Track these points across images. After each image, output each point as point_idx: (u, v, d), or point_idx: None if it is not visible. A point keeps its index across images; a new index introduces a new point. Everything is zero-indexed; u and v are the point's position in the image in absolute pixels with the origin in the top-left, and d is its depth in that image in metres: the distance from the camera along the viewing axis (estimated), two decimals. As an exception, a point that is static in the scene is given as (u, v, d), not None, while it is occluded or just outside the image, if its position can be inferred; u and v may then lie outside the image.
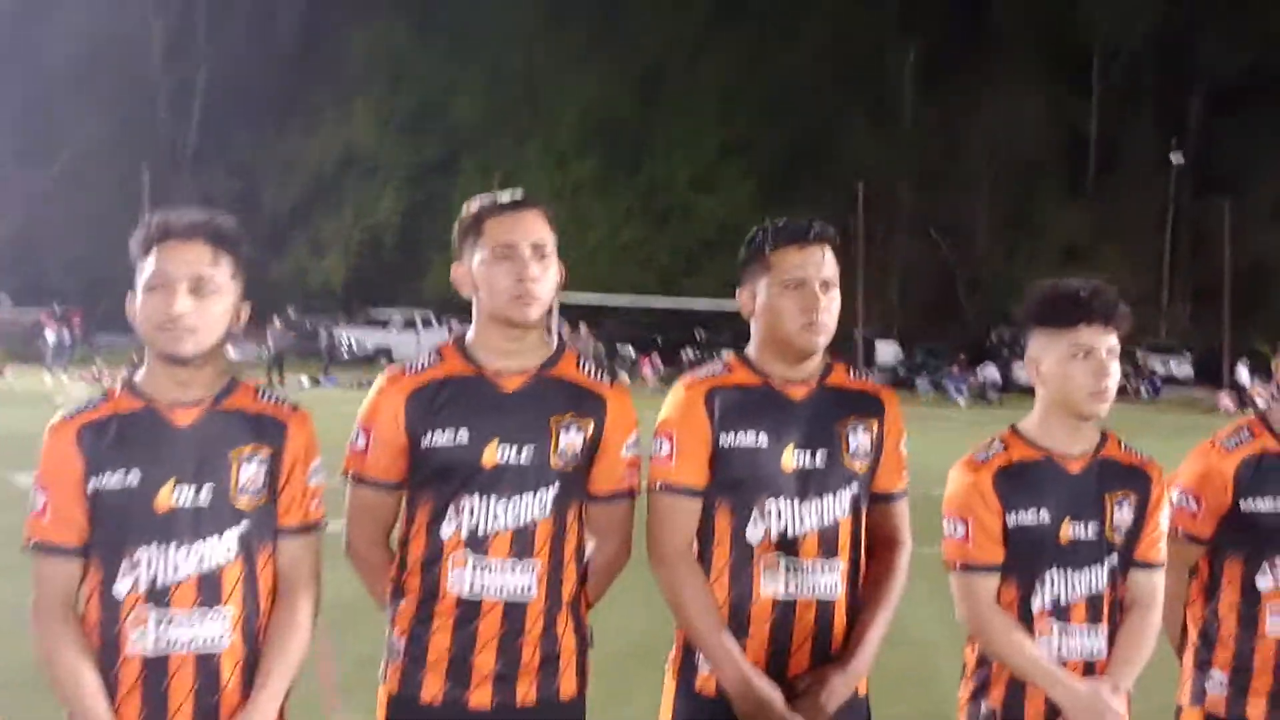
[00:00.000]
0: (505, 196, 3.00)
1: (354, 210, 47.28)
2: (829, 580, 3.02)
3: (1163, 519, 3.30)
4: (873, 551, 3.14)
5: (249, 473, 2.78)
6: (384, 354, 39.58)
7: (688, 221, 47.97)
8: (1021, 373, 40.69)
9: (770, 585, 2.99)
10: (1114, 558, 3.22)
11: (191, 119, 48.52)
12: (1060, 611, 3.18)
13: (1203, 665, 3.56)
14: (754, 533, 3.00)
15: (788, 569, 2.99)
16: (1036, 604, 3.18)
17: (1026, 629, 3.16)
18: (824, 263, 3.05)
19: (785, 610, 2.99)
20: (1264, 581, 3.48)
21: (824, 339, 3.05)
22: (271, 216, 47.56)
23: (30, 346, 34.26)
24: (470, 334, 3.02)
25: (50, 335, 31.96)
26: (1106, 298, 3.17)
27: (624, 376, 36.51)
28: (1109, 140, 51.63)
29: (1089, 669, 3.19)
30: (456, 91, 47.57)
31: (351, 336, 40.86)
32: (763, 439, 3.01)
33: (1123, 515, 3.22)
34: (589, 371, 3.05)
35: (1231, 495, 3.47)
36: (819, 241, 3.06)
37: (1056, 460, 3.21)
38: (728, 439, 3.01)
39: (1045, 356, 3.20)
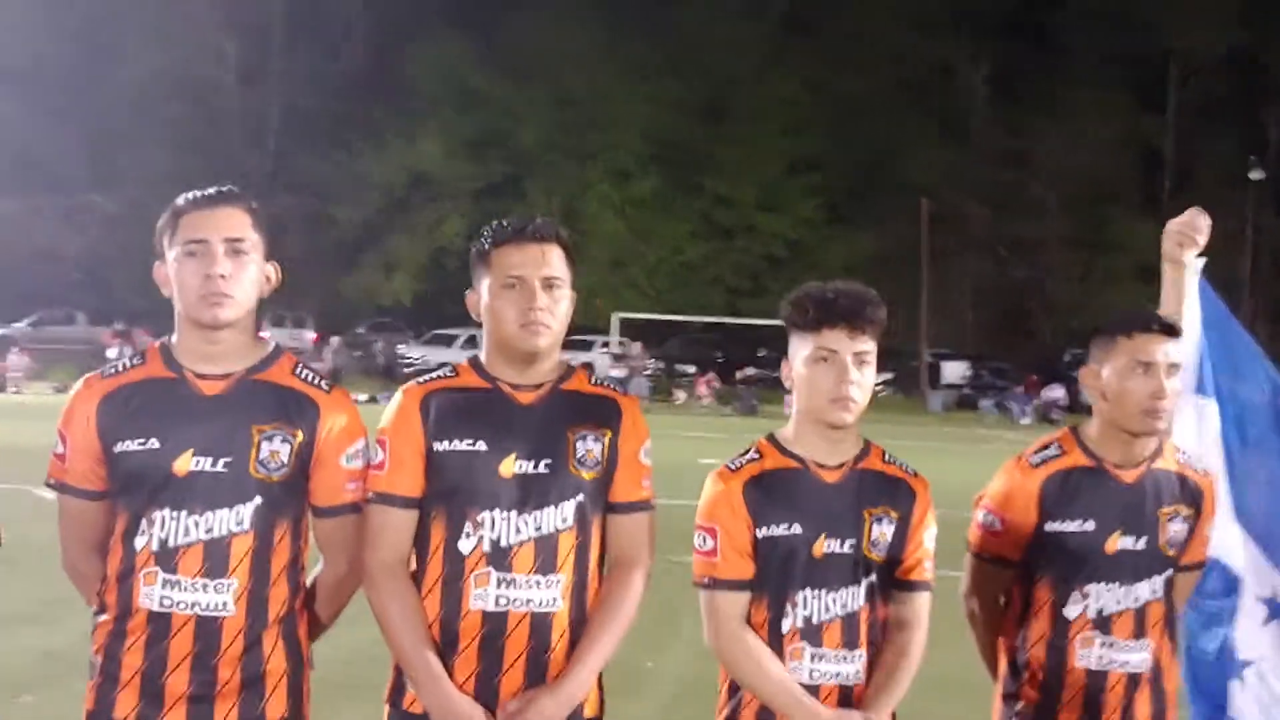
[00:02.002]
0: (213, 191, 2.88)
1: (422, 231, 47.74)
2: (546, 595, 2.86)
3: (928, 537, 3.08)
4: (608, 566, 2.96)
5: None
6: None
7: (752, 240, 47.70)
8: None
9: (479, 599, 2.84)
10: (873, 577, 3.00)
11: (265, 143, 49.32)
12: (812, 633, 2.97)
13: (1009, 698, 3.35)
14: (466, 544, 2.86)
15: (499, 582, 2.83)
16: (787, 625, 2.98)
17: (777, 652, 2.97)
18: (545, 261, 2.91)
19: (495, 625, 2.84)
20: (1072, 610, 3.26)
21: (545, 340, 2.91)
22: (343, 236, 48.32)
23: (99, 363, 35.03)
24: (174, 335, 2.90)
25: (111, 353, 32.61)
26: (853, 300, 2.97)
27: (679, 395, 36.45)
28: (1185, 157, 50.41)
29: (845, 696, 2.98)
30: (521, 113, 47.85)
31: (416, 354, 41.21)
32: (480, 445, 2.88)
33: (881, 531, 3.01)
34: (305, 377, 2.92)
35: (1037, 515, 3.25)
36: (539, 240, 2.92)
37: (811, 470, 3.02)
38: (442, 445, 2.88)
39: (795, 360, 3.02)
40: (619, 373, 34.11)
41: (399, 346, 41.02)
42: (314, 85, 47.71)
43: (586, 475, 2.90)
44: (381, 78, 49.02)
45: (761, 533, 2.97)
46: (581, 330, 44.14)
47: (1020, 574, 3.32)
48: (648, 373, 36.27)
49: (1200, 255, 3.71)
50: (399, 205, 48.17)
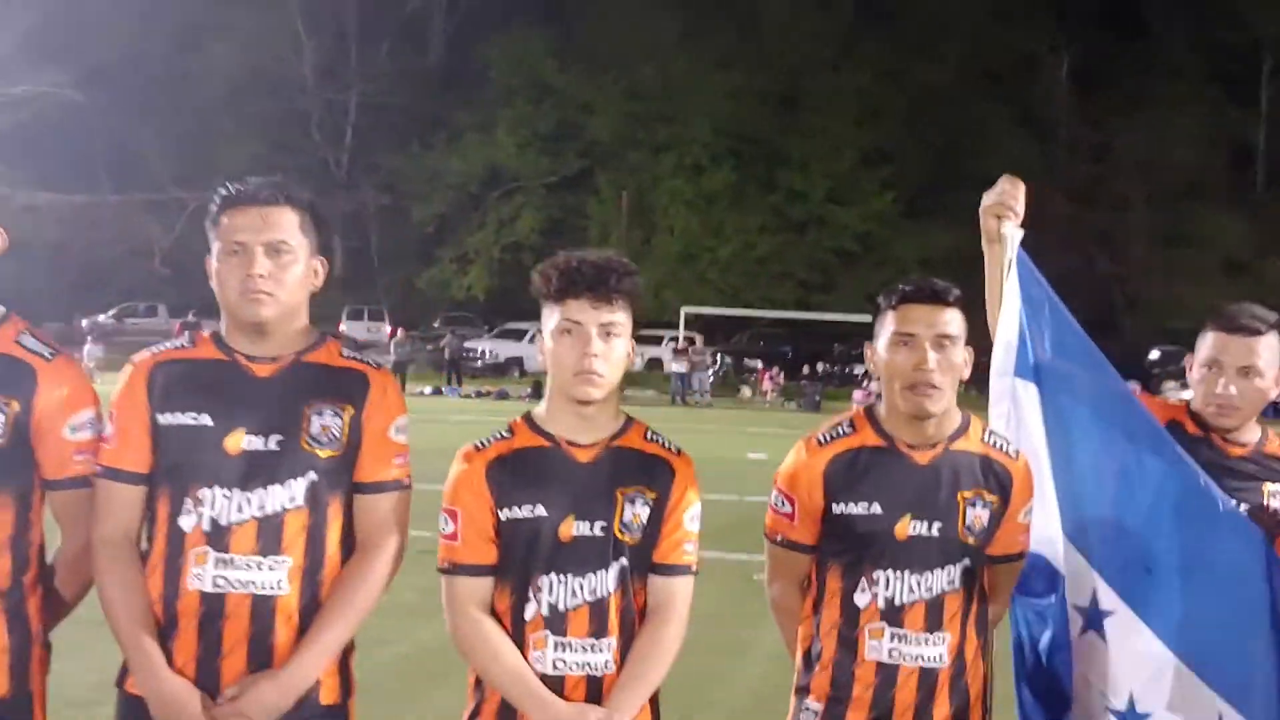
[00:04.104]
0: None
1: (495, 225, 48.03)
2: (269, 577, 2.74)
3: (688, 518, 2.90)
4: (353, 548, 2.85)
5: None
6: (515, 363, 40.18)
7: (823, 233, 47.20)
8: (1170, 392, 38.76)
9: (196, 579, 2.73)
10: (624, 560, 2.84)
11: (343, 139, 49.95)
12: (557, 621, 2.81)
13: (801, 691, 3.16)
14: (186, 521, 2.76)
15: (217, 562, 2.73)
16: (530, 612, 2.83)
17: (520, 641, 2.82)
18: (269, 226, 2.79)
19: (213, 607, 2.73)
20: (862, 598, 3.07)
21: (269, 309, 2.79)
22: (418, 231, 48.81)
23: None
24: None
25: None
26: (598, 270, 2.81)
27: (745, 390, 36.14)
28: (1277, 150, 48.83)
29: (594, 687, 2.82)
30: (594, 106, 47.86)
31: (486, 347, 41.47)
32: (206, 419, 2.77)
33: (635, 512, 2.84)
34: (27, 345, 2.84)
35: (823, 496, 3.06)
36: (263, 203, 2.80)
37: (564, 449, 2.86)
38: (167, 418, 2.79)
39: (545, 334, 2.87)
40: (680, 367, 33.89)
41: (468, 341, 41.28)
42: (390, 81, 48.26)
43: (322, 453, 2.78)
44: (457, 73, 49.45)
45: (504, 515, 2.82)
46: (651, 324, 44.05)
47: (816, 561, 3.14)
48: (710, 368, 35.98)
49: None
50: (473, 200, 48.53)
